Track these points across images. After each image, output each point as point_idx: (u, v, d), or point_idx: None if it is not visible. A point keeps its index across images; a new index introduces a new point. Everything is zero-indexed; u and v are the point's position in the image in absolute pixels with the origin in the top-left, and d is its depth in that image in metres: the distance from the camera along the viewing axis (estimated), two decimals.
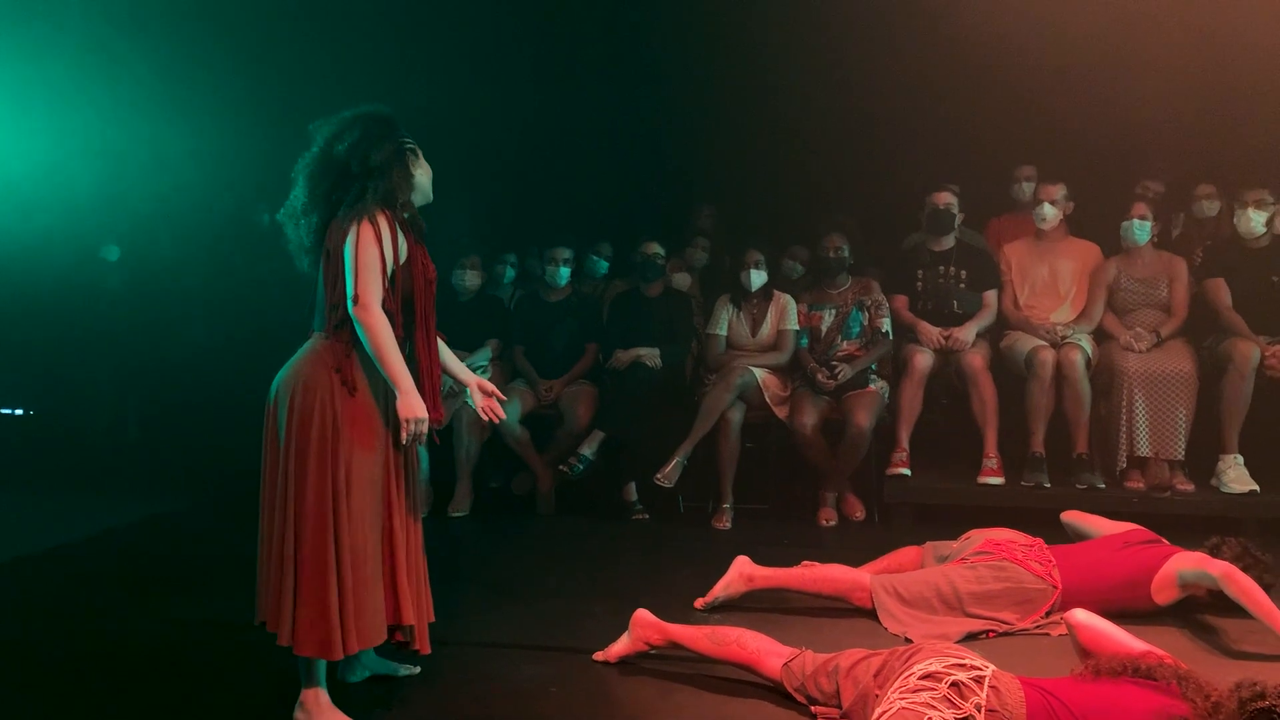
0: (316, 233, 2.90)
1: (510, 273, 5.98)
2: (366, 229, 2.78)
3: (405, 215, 2.91)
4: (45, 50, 6.46)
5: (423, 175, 2.98)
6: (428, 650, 2.98)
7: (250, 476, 2.92)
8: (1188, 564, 3.47)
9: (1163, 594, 3.53)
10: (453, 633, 3.44)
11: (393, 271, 2.83)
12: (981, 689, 2.51)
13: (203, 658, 3.37)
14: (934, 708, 2.44)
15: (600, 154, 6.67)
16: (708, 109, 6.35)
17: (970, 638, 3.45)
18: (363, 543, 2.79)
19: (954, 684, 2.51)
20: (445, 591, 3.44)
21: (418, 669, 3.19)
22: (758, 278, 5.37)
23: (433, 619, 3.03)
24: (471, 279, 5.66)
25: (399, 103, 3.04)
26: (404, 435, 2.82)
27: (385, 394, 2.87)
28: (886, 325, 5.35)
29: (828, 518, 5.15)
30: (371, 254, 2.78)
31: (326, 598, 2.74)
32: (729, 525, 5.08)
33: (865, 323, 5.36)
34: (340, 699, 2.88)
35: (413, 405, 2.81)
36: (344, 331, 2.82)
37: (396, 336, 2.83)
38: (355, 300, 2.76)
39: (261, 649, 2.93)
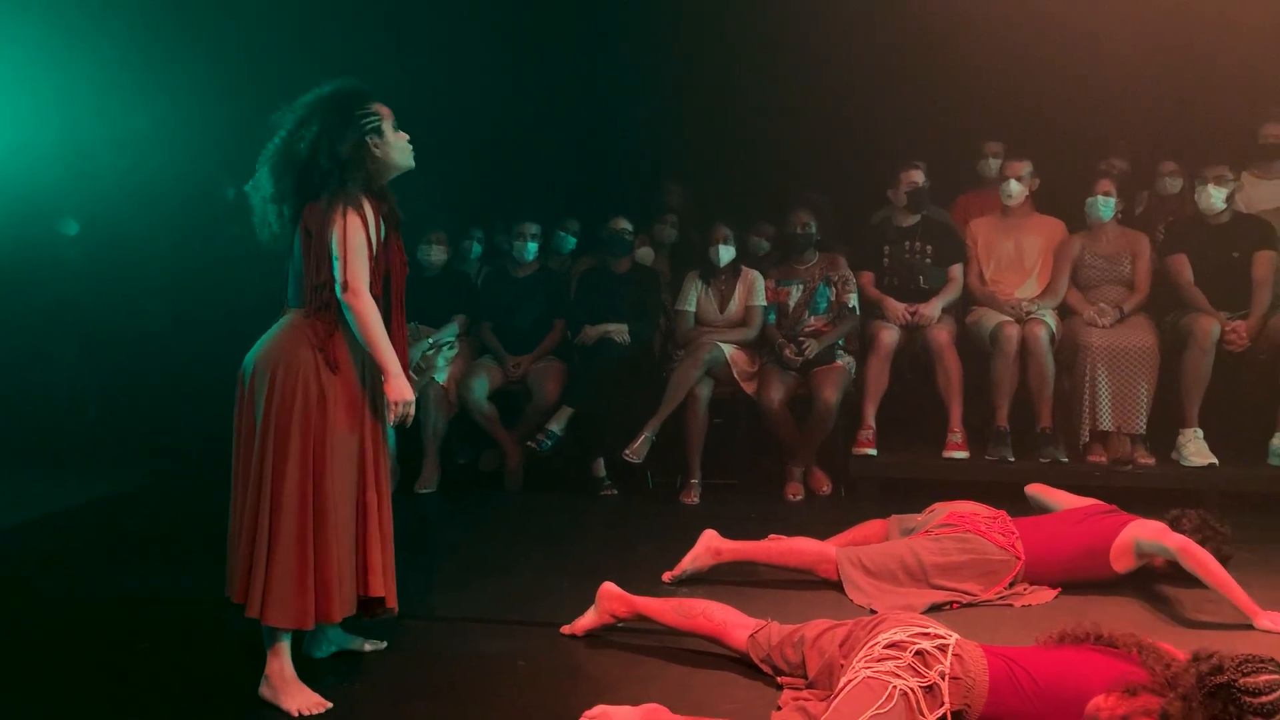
0: (284, 219, 2.89)
1: (477, 248, 5.94)
2: (353, 216, 2.80)
3: (385, 209, 2.89)
4: (3, 24, 6.31)
5: (395, 149, 2.92)
6: (394, 608, 2.99)
7: (213, 452, 2.91)
8: (1145, 534, 3.52)
9: (1120, 561, 3.58)
10: (420, 608, 3.44)
11: (375, 255, 2.85)
12: (945, 657, 2.54)
13: (167, 635, 3.34)
14: (899, 676, 2.47)
15: (568, 130, 6.61)
16: (676, 85, 6.31)
17: (935, 609, 3.48)
18: (340, 516, 2.81)
19: (918, 652, 2.53)
20: (412, 568, 3.44)
21: (384, 644, 3.19)
22: (726, 253, 5.37)
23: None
24: (438, 254, 5.62)
25: (364, 78, 2.99)
26: (393, 417, 2.89)
27: (365, 372, 2.90)
28: (853, 301, 5.36)
29: (794, 492, 5.17)
30: (359, 240, 2.80)
31: (304, 570, 2.76)
32: (697, 500, 5.09)
33: (832, 298, 5.38)
34: (306, 674, 2.87)
35: (402, 388, 2.88)
36: (328, 312, 2.83)
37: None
38: (345, 286, 2.79)
39: (226, 625, 2.91)
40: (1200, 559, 3.37)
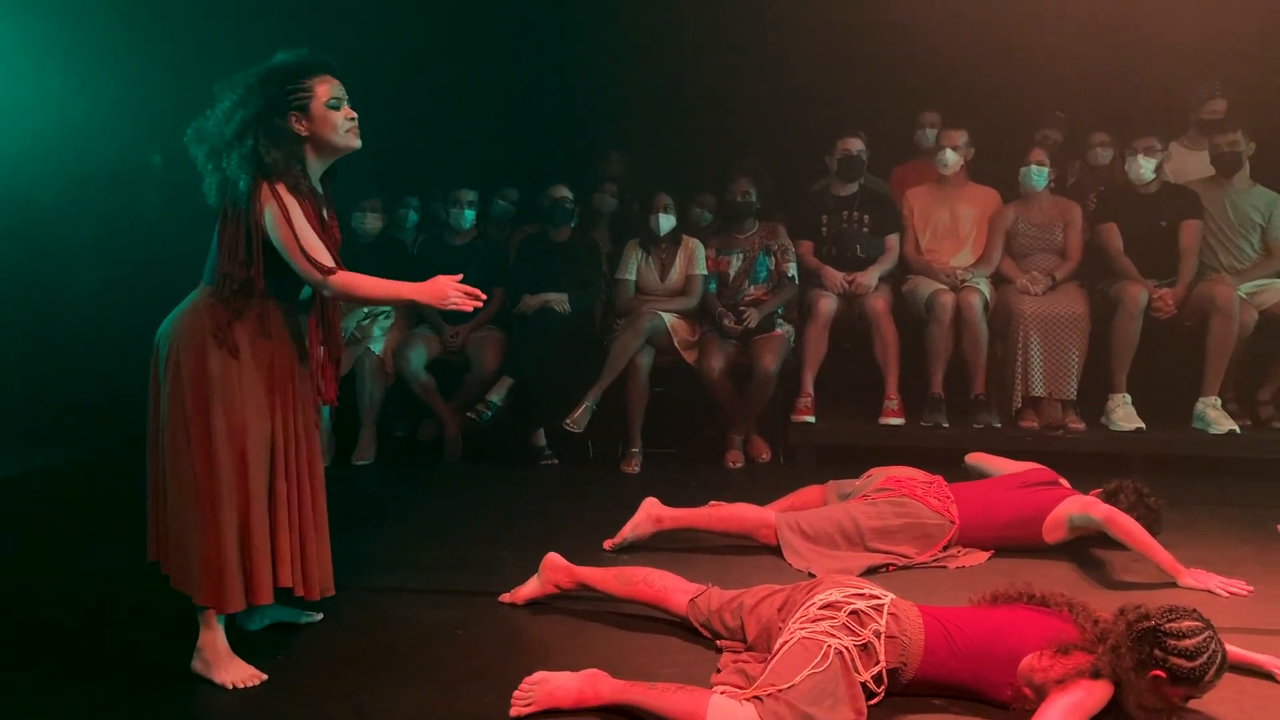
0: (211, 190, 2.78)
1: (413, 216, 5.84)
2: (280, 212, 2.68)
3: (301, 186, 2.75)
4: None
5: (328, 126, 2.76)
6: (331, 592, 2.96)
7: (141, 422, 2.85)
8: (1077, 508, 3.57)
9: (1053, 534, 3.65)
10: (357, 579, 3.40)
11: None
12: (881, 616, 2.57)
13: (98, 607, 3.27)
14: (833, 635, 2.49)
15: (507, 96, 6.53)
16: (617, 53, 6.26)
17: (871, 571, 3.52)
18: (256, 500, 2.74)
19: (853, 612, 2.56)
20: (349, 539, 3.40)
21: (319, 616, 3.15)
22: (666, 222, 5.36)
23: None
24: (372, 222, 5.53)
25: (295, 42, 2.88)
26: (458, 306, 2.77)
27: (274, 357, 2.81)
28: (793, 270, 5.39)
29: (734, 460, 5.20)
30: (296, 235, 2.69)
31: (219, 552, 2.70)
32: (638, 469, 5.10)
33: (772, 267, 5.40)
34: (241, 647, 2.82)
35: (427, 292, 2.76)
36: (234, 301, 2.73)
37: (294, 301, 2.84)
38: (317, 285, 2.73)
39: (158, 598, 2.85)
40: (1125, 527, 3.44)
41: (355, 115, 2.82)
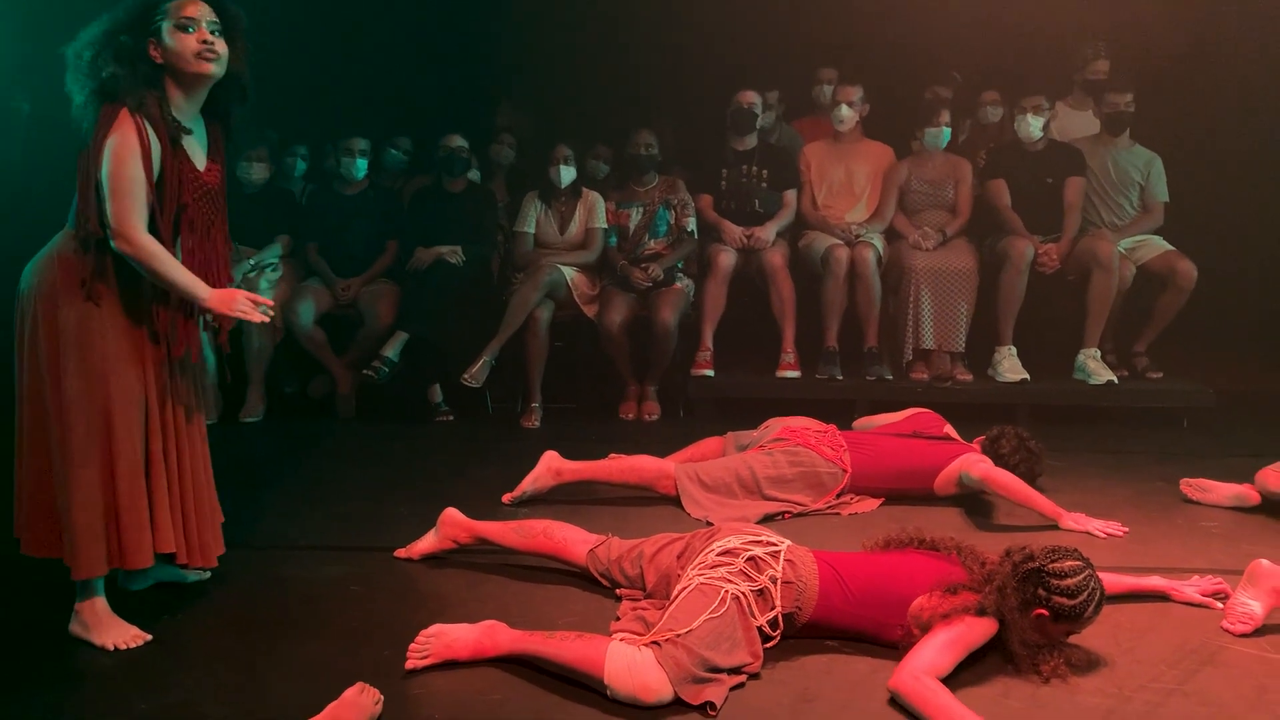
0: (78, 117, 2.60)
1: (301, 165, 5.64)
2: (119, 145, 2.49)
3: (149, 108, 2.54)
4: None
5: (175, 54, 2.56)
6: (213, 564, 2.87)
7: (6, 383, 2.70)
8: (965, 467, 3.66)
9: (944, 489, 3.76)
10: (246, 537, 3.31)
11: (159, 181, 2.57)
12: (777, 562, 2.61)
13: None
14: (730, 581, 2.52)
15: (401, 40, 6.32)
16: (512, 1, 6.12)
17: (768, 519, 3.58)
18: (127, 459, 2.61)
19: (751, 558, 2.60)
20: (238, 497, 3.29)
21: (208, 574, 3.03)
22: (567, 174, 5.29)
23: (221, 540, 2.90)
24: (258, 172, 5.32)
25: None
26: (237, 318, 2.66)
27: (141, 309, 2.65)
28: (692, 225, 5.39)
29: (631, 412, 5.21)
30: (125, 176, 2.50)
31: (80, 512, 2.58)
32: (538, 424, 5.06)
33: (672, 221, 5.38)
34: (124, 608, 2.71)
35: (220, 298, 2.64)
36: (97, 244, 2.56)
37: (169, 247, 2.65)
38: (115, 233, 2.51)
39: (30, 561, 2.71)
40: (1003, 483, 3.55)
41: (210, 40, 2.60)
